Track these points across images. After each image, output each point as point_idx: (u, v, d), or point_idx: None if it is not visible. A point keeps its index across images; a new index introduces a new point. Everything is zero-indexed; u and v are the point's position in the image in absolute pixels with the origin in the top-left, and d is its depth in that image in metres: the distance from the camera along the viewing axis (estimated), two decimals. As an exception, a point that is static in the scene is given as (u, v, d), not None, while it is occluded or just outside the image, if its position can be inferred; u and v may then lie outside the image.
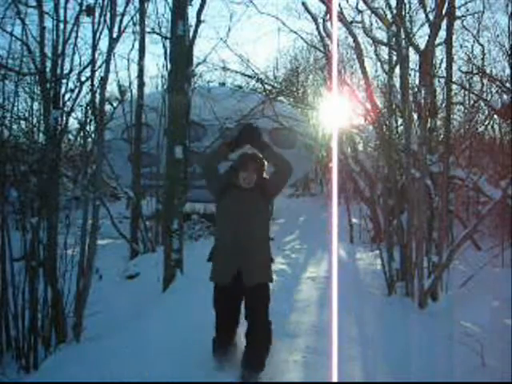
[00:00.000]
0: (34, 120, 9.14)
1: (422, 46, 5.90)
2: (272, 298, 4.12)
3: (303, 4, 8.55)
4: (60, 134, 4.37)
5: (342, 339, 3.49)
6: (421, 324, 4.28)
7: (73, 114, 7.79)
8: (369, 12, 8.10)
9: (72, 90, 4.41)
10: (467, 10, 8.39)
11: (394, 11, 5.80)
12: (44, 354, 3.96)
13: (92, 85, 4.42)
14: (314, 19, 8.53)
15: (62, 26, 4.34)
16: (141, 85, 8.32)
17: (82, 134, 4.92)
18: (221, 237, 3.38)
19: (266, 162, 3.40)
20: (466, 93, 9.44)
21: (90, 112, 4.52)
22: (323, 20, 8.42)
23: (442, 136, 6.12)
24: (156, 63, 36.09)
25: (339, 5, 7.78)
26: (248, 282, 3.21)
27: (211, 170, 3.45)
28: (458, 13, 6.36)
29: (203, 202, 11.30)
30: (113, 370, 3.40)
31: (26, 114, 10.52)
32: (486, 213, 5.07)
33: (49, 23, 4.49)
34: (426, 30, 10.17)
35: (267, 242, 3.41)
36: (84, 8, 4.37)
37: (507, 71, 9.51)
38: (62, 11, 4.33)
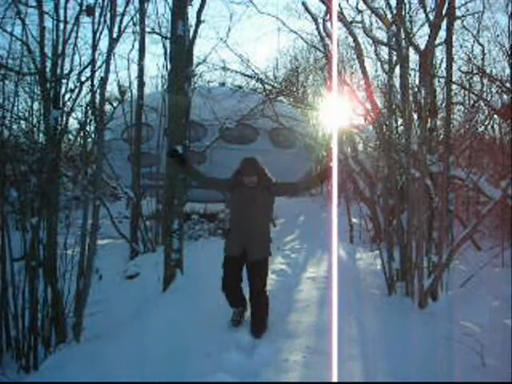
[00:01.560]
0: (34, 120, 9.14)
1: (422, 46, 5.88)
2: (272, 297, 4.15)
3: (303, 4, 8.57)
4: (60, 134, 4.38)
5: (342, 339, 3.49)
6: (421, 324, 4.28)
7: (73, 114, 7.79)
8: (369, 12, 8.10)
9: (72, 90, 4.41)
10: (467, 10, 8.36)
11: (394, 11, 5.80)
12: (44, 354, 3.97)
13: (92, 85, 4.42)
14: (314, 19, 8.53)
15: (62, 26, 4.34)
16: (141, 85, 8.32)
17: (81, 133, 4.93)
18: (232, 222, 4.40)
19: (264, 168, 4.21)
20: (466, 93, 9.42)
21: (90, 112, 4.53)
22: (323, 20, 8.43)
23: (442, 136, 6.11)
24: (156, 63, 36.19)
25: (339, 5, 7.80)
26: (250, 258, 4.14)
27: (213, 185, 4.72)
28: (458, 13, 6.35)
29: (203, 202, 11.32)
30: (112, 370, 3.40)
31: (26, 114, 10.52)
32: (486, 213, 5.06)
33: (49, 23, 4.50)
34: (426, 29, 10.19)
35: (267, 227, 4.31)
36: (84, 8, 4.37)
37: (507, 71, 9.50)
38: (62, 11, 4.35)
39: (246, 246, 4.13)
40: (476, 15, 8.96)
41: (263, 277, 4.19)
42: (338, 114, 6.53)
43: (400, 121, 6.55)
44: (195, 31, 6.97)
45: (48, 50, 4.55)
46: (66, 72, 4.46)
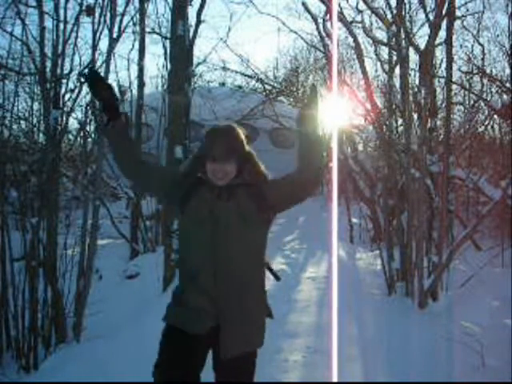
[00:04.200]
0: (34, 120, 9.13)
1: (422, 46, 5.89)
2: (272, 298, 4.10)
3: (303, 4, 8.55)
4: (60, 134, 4.37)
5: (342, 339, 3.48)
6: (421, 324, 4.28)
7: (73, 114, 7.78)
8: (369, 12, 8.09)
9: (72, 90, 4.42)
10: (467, 10, 8.34)
11: (394, 11, 5.79)
12: (44, 354, 3.97)
13: (92, 85, 4.41)
14: (314, 19, 8.52)
15: (62, 26, 4.34)
16: (141, 85, 8.31)
17: (81, 133, 4.93)
18: (186, 268, 2.07)
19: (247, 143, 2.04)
20: (466, 93, 9.42)
21: (90, 112, 4.53)
22: (323, 20, 8.41)
23: (442, 136, 6.11)
24: (156, 63, 36.02)
25: (339, 5, 7.79)
26: (225, 352, 1.96)
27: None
28: (458, 13, 6.34)
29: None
30: (113, 370, 3.40)
31: (26, 114, 10.50)
32: (486, 213, 5.07)
33: (49, 23, 4.49)
34: (426, 30, 10.13)
35: (260, 279, 2.12)
36: (84, 8, 4.37)
37: (507, 71, 9.46)
38: (62, 11, 4.34)
39: (218, 321, 1.98)
40: (476, 15, 8.95)
41: (249, 380, 2.07)
42: (338, 114, 6.53)
43: (400, 121, 6.56)
44: (195, 31, 6.97)
45: (48, 50, 4.56)
46: (66, 72, 4.47)
